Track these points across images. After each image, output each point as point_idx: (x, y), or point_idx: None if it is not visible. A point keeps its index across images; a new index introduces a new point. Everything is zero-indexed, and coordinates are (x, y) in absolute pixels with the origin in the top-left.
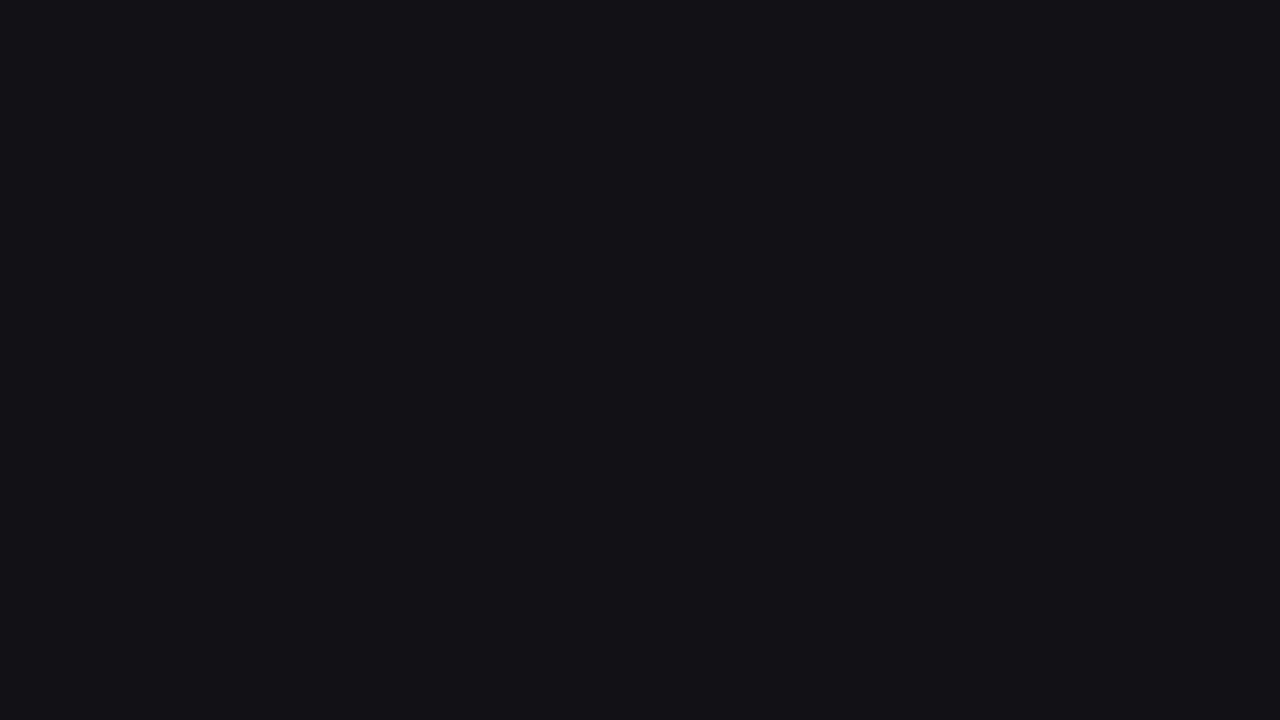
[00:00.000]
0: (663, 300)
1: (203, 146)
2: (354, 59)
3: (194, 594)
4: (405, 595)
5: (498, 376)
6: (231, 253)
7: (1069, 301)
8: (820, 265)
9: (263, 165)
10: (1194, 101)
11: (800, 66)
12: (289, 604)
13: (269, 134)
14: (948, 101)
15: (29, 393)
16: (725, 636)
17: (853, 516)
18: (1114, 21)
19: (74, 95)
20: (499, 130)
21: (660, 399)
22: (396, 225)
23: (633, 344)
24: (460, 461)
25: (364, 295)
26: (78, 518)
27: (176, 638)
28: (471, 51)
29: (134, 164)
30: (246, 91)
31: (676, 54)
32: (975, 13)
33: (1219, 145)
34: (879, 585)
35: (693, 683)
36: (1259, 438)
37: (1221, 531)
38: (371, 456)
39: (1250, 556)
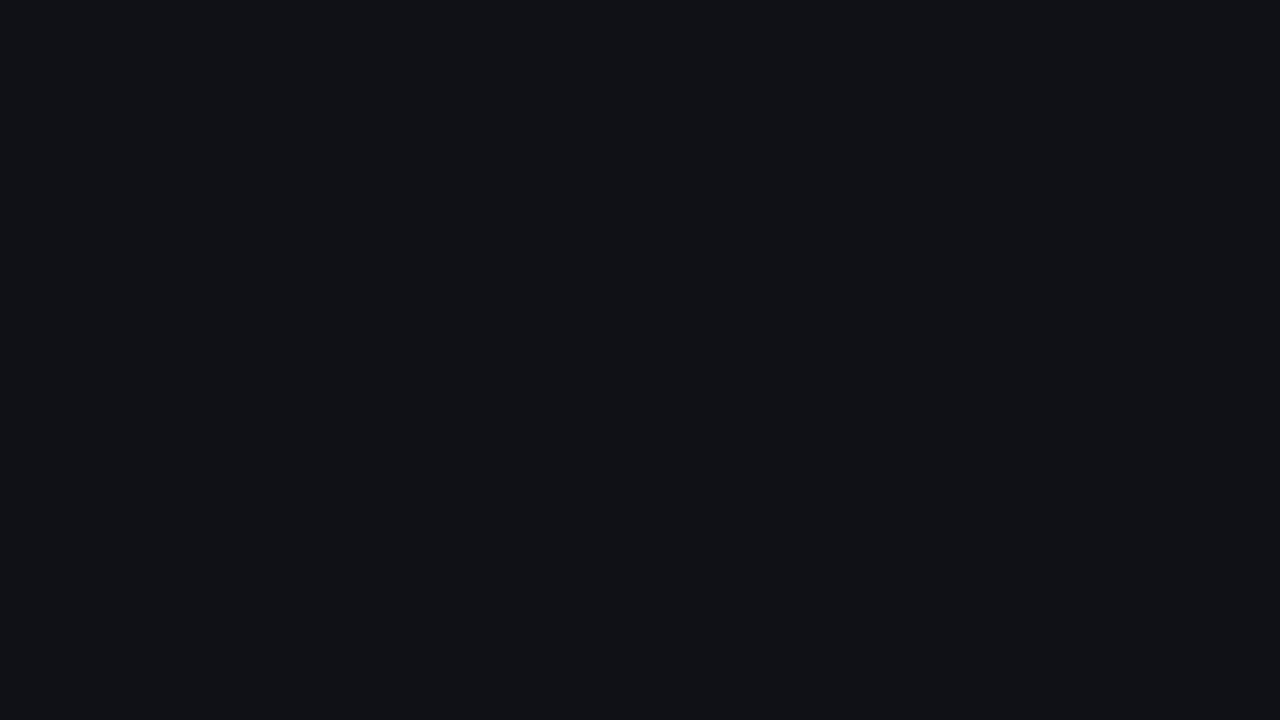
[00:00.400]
0: (663, 300)
1: (203, 146)
2: (354, 59)
3: (194, 594)
4: (405, 595)
5: (498, 377)
6: (231, 253)
7: (1069, 301)
8: (820, 265)
9: (263, 165)
10: (1194, 101)
11: (800, 66)
12: (289, 604)
13: (269, 134)
14: (948, 102)
15: (29, 393)
16: (725, 637)
17: (853, 517)
18: (1114, 21)
19: (74, 95)
20: (499, 130)
21: (660, 399)
22: (397, 225)
23: (633, 344)
24: (460, 461)
25: (364, 295)
26: (78, 518)
27: (177, 638)
28: (472, 52)
29: (134, 164)
30: (246, 92)
31: (676, 54)
32: (975, 13)
33: (1219, 145)
34: (879, 585)
35: (693, 683)
36: (1259, 438)
37: (1222, 531)
38: (372, 456)
39: (1250, 556)
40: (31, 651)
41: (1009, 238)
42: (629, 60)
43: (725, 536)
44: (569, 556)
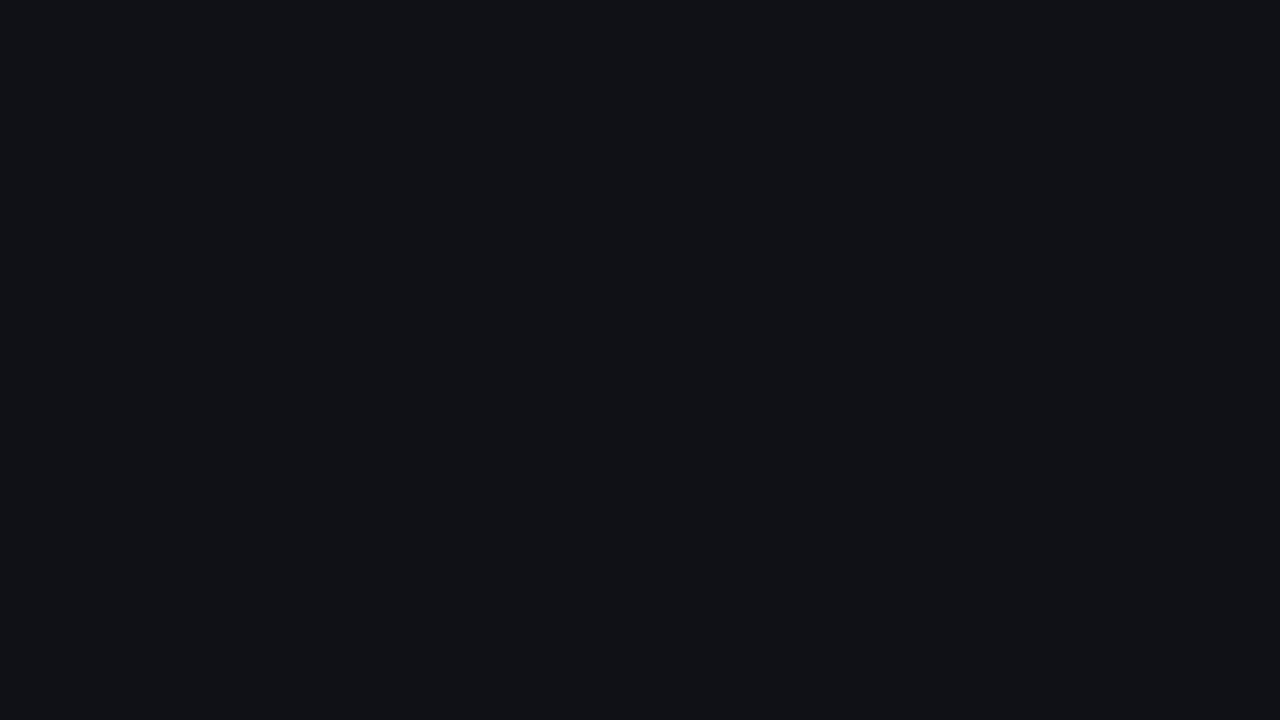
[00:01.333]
0: (663, 300)
1: (203, 146)
2: (354, 59)
3: (194, 594)
4: (405, 595)
5: (498, 377)
6: (231, 253)
7: (1069, 302)
8: (820, 265)
9: (263, 165)
10: (1194, 101)
11: (800, 66)
12: (289, 604)
13: (269, 134)
14: (948, 101)
15: (29, 393)
16: (725, 637)
17: (853, 516)
18: (1114, 21)
19: (74, 95)
20: (499, 130)
21: (660, 399)
22: (396, 225)
23: (633, 344)
24: (460, 462)
25: (364, 295)
26: (78, 518)
27: (176, 638)
28: (472, 52)
29: (134, 164)
30: (246, 92)
31: (677, 54)
32: (975, 13)
33: (1219, 145)
34: (879, 585)
35: (693, 683)
36: (1259, 438)
37: (1222, 531)
38: (372, 457)
39: (1250, 556)
40: (31, 651)
41: (1009, 238)
42: (629, 60)
43: (726, 537)
44: (569, 557)
